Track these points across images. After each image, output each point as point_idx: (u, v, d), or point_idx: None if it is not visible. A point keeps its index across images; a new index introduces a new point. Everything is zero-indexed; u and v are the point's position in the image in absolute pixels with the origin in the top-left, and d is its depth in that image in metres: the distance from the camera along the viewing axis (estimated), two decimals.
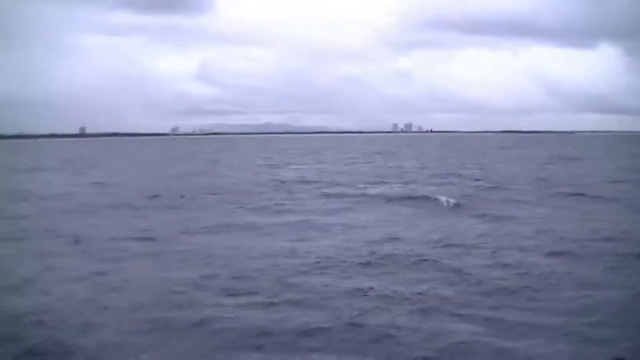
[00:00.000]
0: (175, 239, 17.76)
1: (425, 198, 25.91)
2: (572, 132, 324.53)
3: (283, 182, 36.04)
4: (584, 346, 8.92)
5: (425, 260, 14.26)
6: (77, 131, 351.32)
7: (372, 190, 29.88)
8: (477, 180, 34.67)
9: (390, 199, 26.34)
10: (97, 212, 23.58)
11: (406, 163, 56.00)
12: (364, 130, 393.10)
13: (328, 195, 28.38)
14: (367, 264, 14.09)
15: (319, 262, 14.19)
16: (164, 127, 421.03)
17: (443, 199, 24.80)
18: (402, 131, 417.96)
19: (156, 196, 28.38)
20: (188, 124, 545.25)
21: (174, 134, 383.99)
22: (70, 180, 39.99)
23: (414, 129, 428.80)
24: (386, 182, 34.40)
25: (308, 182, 35.87)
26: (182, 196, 28.38)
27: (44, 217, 22.64)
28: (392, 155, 76.69)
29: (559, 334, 9.38)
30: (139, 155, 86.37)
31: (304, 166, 52.83)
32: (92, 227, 19.79)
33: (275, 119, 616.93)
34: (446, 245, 15.87)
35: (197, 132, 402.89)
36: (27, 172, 48.87)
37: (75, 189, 32.92)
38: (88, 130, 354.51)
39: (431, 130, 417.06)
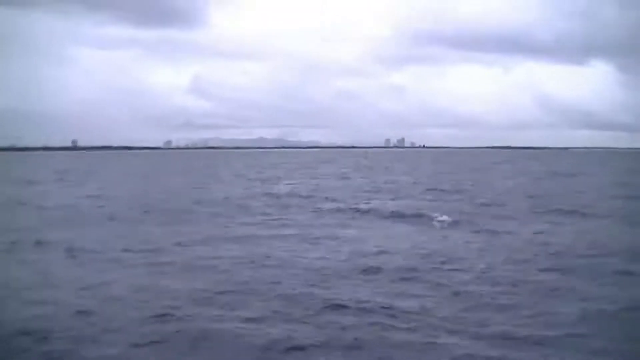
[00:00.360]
0: (169, 250, 17.89)
1: (419, 215, 25.88)
2: (566, 148, 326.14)
3: (278, 196, 36.12)
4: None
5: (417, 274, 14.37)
6: (69, 144, 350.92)
7: (364, 206, 29.90)
8: (472, 196, 34.70)
9: (385, 216, 26.36)
10: (92, 225, 23.64)
11: (400, 178, 56.13)
12: (357, 145, 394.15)
13: (321, 211, 28.45)
14: (355, 275, 14.38)
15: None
16: (157, 140, 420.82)
17: (437, 215, 24.82)
18: (395, 146, 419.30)
19: (147, 211, 28.43)
20: (181, 137, 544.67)
21: (167, 147, 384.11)
22: (63, 193, 40.02)
23: (406, 144, 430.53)
24: (379, 198, 34.49)
25: (301, 196, 35.88)
26: (173, 210, 28.56)
27: (38, 228, 22.68)
28: (386, 170, 76.86)
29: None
30: (132, 169, 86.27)
31: (295, 181, 52.70)
32: (87, 238, 19.87)
33: (269, 134, 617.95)
34: (441, 262, 15.94)
35: (190, 145, 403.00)
36: (22, 185, 48.82)
37: (70, 202, 32.98)
38: (80, 144, 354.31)
39: (424, 145, 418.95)
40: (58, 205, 31.21)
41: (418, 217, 25.26)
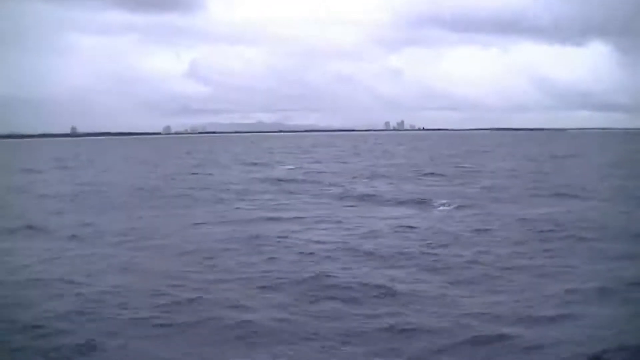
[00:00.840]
0: (172, 234, 18.36)
1: (421, 200, 25.90)
2: (563, 130, 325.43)
3: (279, 180, 36.31)
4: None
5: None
6: (68, 131, 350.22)
7: (364, 190, 30.04)
8: (472, 180, 34.69)
9: (388, 200, 26.50)
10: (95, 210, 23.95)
11: (401, 161, 56.23)
12: (355, 129, 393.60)
13: (324, 195, 28.64)
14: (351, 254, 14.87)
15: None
16: (156, 126, 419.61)
17: (444, 202, 24.80)
18: (395, 129, 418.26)
19: (150, 192, 28.84)
20: (180, 123, 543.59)
21: (166, 133, 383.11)
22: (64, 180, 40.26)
23: (406, 127, 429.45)
24: (381, 181, 34.69)
25: (304, 181, 36.02)
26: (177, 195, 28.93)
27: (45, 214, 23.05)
28: (388, 153, 76.96)
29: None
30: (132, 155, 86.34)
31: (292, 166, 52.64)
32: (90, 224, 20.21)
33: (267, 118, 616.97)
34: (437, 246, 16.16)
35: (189, 131, 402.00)
36: (22, 173, 48.92)
37: (69, 189, 33.26)
38: (79, 130, 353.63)
39: (423, 128, 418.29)
40: (62, 192, 31.52)
41: (419, 203, 25.22)
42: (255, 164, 55.95)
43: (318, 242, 16.61)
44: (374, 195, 28.02)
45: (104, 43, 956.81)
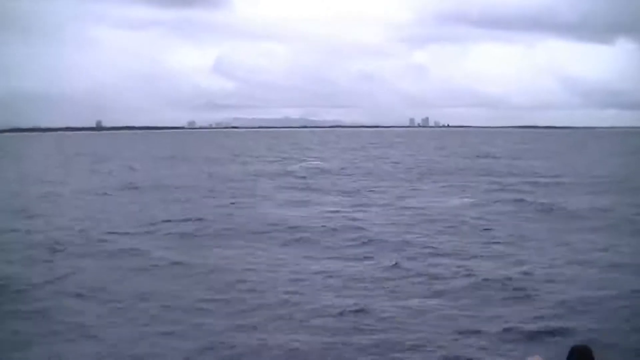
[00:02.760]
0: None
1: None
2: (592, 128, 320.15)
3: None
4: None
5: None
6: (93, 124, 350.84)
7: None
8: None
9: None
10: None
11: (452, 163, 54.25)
12: (380, 125, 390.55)
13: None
14: None
15: None
16: (181, 121, 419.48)
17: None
18: (419, 126, 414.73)
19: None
20: (205, 118, 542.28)
21: (191, 127, 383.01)
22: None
23: (430, 124, 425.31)
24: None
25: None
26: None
27: None
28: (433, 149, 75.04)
29: None
30: (173, 149, 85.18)
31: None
32: None
33: (292, 113, 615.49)
34: None
35: (214, 125, 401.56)
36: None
37: None
38: (104, 124, 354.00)
39: (448, 125, 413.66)
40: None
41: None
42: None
43: None
44: None
45: (129, 37, 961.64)
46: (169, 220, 21.37)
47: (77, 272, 14.41)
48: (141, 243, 17.58)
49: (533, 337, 9.85)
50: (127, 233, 19.18)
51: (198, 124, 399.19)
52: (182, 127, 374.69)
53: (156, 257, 15.87)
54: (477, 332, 10.16)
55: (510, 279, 13.17)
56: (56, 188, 32.28)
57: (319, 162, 51.31)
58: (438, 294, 12.36)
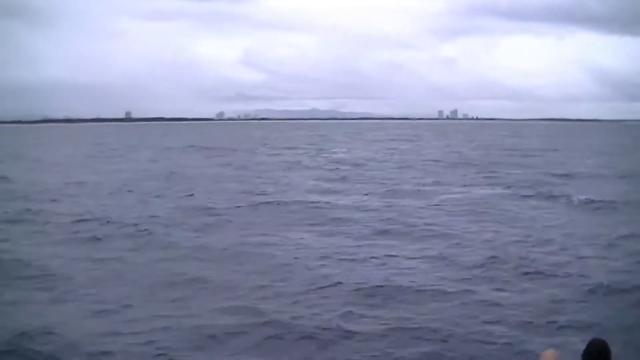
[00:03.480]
0: None
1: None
2: (621, 121, 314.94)
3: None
4: None
5: None
6: (122, 115, 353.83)
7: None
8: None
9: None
10: None
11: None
12: (409, 117, 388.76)
13: None
14: None
15: None
16: (209, 112, 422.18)
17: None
18: (448, 118, 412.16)
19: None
20: (233, 109, 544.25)
21: (219, 119, 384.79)
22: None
23: (459, 116, 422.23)
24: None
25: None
26: None
27: None
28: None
29: None
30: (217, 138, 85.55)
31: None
32: None
33: (321, 105, 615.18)
34: None
35: (242, 117, 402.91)
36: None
37: None
38: (134, 115, 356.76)
39: (476, 117, 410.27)
40: None
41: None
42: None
43: None
44: None
45: (158, 29, 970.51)
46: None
47: None
48: None
49: None
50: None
51: (226, 116, 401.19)
52: (211, 119, 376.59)
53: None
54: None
55: None
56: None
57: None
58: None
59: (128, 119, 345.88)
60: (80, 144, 78.28)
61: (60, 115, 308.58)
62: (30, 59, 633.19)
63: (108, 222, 19.37)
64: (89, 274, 13.52)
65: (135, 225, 18.76)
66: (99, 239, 17.15)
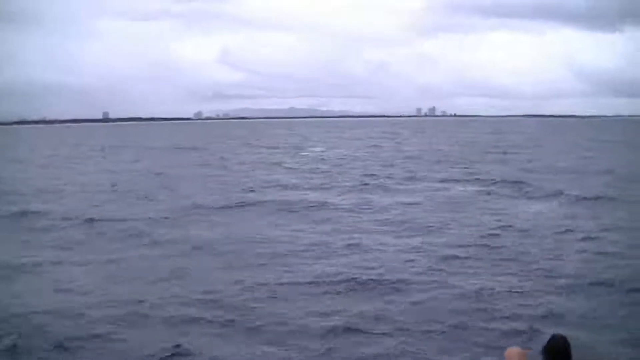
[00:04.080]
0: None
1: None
2: (598, 117, 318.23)
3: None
4: None
5: None
6: (100, 116, 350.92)
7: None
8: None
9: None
10: None
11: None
12: (388, 114, 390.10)
13: None
14: None
15: None
16: (188, 112, 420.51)
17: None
18: (426, 115, 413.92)
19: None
20: (212, 108, 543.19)
21: (197, 118, 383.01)
22: None
23: (437, 113, 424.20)
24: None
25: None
26: None
27: None
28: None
29: None
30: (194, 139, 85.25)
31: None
32: None
33: (300, 104, 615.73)
34: None
35: (221, 116, 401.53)
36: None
37: None
38: (111, 115, 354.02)
39: (455, 114, 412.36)
40: None
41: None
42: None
43: None
44: None
45: (136, 29, 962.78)
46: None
47: None
48: None
49: None
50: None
51: (205, 115, 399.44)
52: (189, 119, 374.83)
53: None
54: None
55: None
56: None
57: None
58: None
59: (106, 119, 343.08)
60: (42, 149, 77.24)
61: (37, 117, 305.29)
62: (5, 59, 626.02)
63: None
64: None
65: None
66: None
